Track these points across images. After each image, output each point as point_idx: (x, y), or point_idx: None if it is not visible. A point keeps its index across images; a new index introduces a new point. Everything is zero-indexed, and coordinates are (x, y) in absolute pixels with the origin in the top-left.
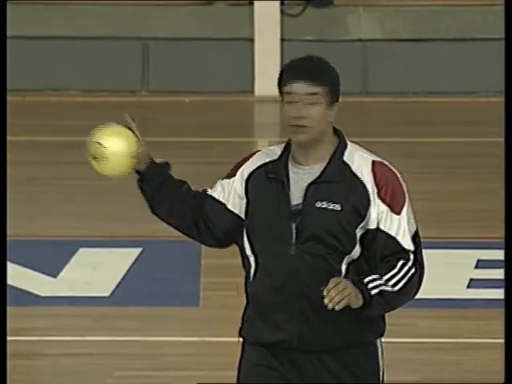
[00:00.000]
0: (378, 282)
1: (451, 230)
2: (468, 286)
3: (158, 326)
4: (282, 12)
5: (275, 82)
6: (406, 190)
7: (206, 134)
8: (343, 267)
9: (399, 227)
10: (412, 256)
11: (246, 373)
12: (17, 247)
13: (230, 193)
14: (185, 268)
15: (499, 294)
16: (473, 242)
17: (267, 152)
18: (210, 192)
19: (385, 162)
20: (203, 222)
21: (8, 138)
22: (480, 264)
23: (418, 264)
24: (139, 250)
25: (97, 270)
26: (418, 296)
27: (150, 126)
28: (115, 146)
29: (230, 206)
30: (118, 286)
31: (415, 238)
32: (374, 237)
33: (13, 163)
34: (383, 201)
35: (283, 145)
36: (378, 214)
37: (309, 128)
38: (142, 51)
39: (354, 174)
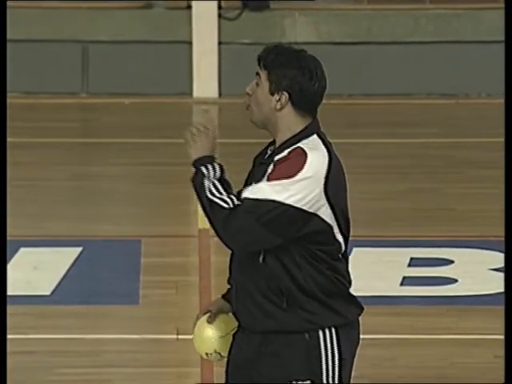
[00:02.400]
0: (211, 176)
1: (386, 229)
2: (401, 284)
3: (99, 324)
4: (220, 16)
5: (213, 84)
6: (297, 175)
7: (145, 136)
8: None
9: (256, 185)
10: (240, 202)
11: None
12: None
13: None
14: (125, 266)
15: (432, 291)
16: (406, 241)
17: None
18: None
19: (307, 148)
20: None
21: None
22: (413, 262)
23: (234, 211)
24: (79, 249)
25: (37, 270)
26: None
27: (89, 127)
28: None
29: None
30: (58, 285)
31: (257, 201)
32: None
33: None
34: (268, 178)
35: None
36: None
37: (250, 107)
38: (82, 54)
39: (273, 158)
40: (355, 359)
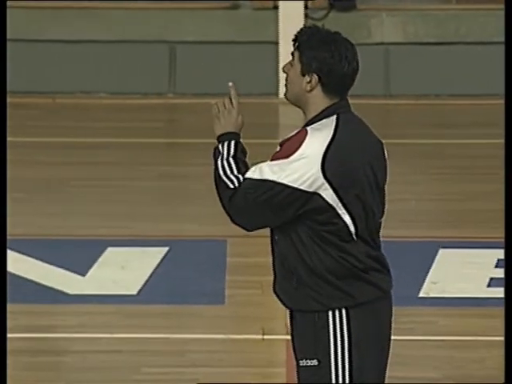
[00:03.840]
0: (224, 155)
1: (473, 230)
2: (488, 285)
3: (184, 324)
4: (306, 16)
5: None
6: (293, 154)
7: None
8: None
9: (258, 164)
10: (243, 180)
11: None
12: (47, 246)
13: None
14: (210, 266)
15: None
16: (494, 242)
17: None
18: None
19: (310, 129)
20: None
21: (40, 139)
22: (500, 263)
23: (236, 190)
24: (166, 249)
25: (124, 269)
26: (437, 295)
27: (176, 127)
28: None
29: None
30: (145, 285)
31: (255, 181)
32: None
33: (46, 165)
34: (272, 157)
35: None
36: None
37: (286, 85)
38: (169, 54)
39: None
40: (391, 342)
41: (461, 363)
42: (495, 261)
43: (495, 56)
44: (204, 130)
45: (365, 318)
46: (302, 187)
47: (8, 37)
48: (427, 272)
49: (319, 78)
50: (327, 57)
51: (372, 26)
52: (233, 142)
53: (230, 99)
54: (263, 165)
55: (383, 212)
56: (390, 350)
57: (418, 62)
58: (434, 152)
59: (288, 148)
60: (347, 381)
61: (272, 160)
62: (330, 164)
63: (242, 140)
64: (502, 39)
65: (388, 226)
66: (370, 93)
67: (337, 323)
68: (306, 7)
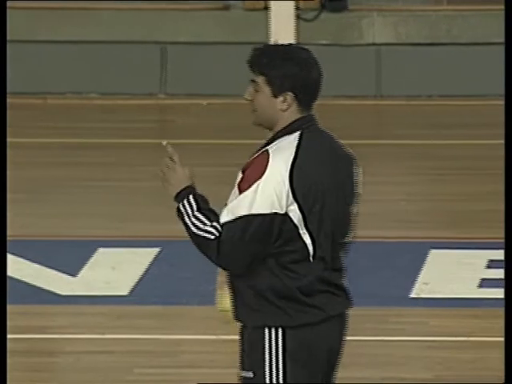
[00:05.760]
0: (189, 212)
1: (463, 231)
2: (479, 286)
3: (176, 325)
4: (298, 17)
5: None
6: (258, 181)
7: (224, 137)
8: None
9: (231, 202)
10: (220, 228)
11: None
12: (37, 247)
13: None
14: (202, 267)
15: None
16: (484, 243)
17: None
18: None
19: (272, 151)
20: None
21: (31, 140)
22: (491, 264)
23: (220, 240)
24: (158, 249)
25: (116, 270)
26: (428, 295)
27: (167, 128)
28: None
29: None
30: (136, 285)
31: (234, 222)
32: None
33: (37, 165)
34: (238, 188)
35: None
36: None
37: (254, 111)
38: (160, 55)
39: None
40: (338, 362)
41: (452, 364)
42: (486, 262)
43: (486, 57)
44: (195, 131)
45: (304, 338)
46: (277, 211)
47: None
48: (418, 273)
49: (295, 95)
50: (297, 72)
51: (363, 27)
52: (191, 197)
53: (170, 157)
54: (233, 204)
55: (351, 230)
56: (380, 351)
57: (410, 63)
58: (425, 153)
59: (252, 175)
60: None
61: (240, 191)
62: (296, 184)
63: (237, 140)
64: (494, 40)
65: (379, 227)
66: (362, 93)
67: (272, 340)
68: (297, 8)
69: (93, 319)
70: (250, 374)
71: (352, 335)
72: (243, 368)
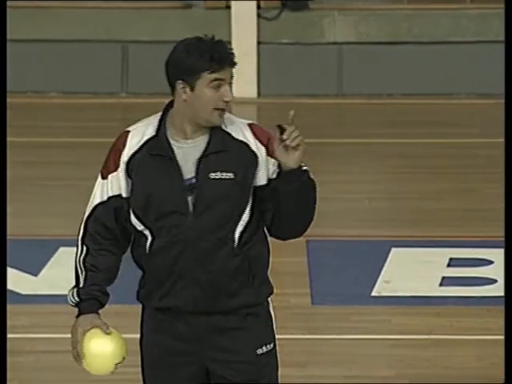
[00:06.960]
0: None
1: (425, 230)
2: (440, 284)
3: (138, 323)
4: (259, 16)
5: (252, 84)
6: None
7: None
8: (236, 235)
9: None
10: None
11: (146, 337)
12: None
13: (120, 185)
14: None
15: (471, 291)
16: (446, 241)
17: (140, 130)
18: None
19: (255, 122)
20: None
21: None
22: (452, 262)
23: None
24: None
25: None
26: (389, 294)
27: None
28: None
29: (124, 195)
30: None
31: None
32: (264, 190)
33: None
34: (272, 156)
35: (154, 121)
36: (269, 170)
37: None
38: (121, 54)
39: (237, 140)
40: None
41: (413, 362)
42: (447, 260)
43: (447, 55)
44: None
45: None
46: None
47: None
48: (380, 271)
49: None
50: None
51: (324, 26)
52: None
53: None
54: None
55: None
56: (343, 349)
57: (371, 62)
58: (386, 151)
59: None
60: None
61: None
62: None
63: None
64: (454, 39)
65: (341, 226)
66: (323, 92)
67: (270, 306)
68: (258, 7)
69: (54, 318)
70: (271, 346)
71: (314, 334)
72: (263, 344)
